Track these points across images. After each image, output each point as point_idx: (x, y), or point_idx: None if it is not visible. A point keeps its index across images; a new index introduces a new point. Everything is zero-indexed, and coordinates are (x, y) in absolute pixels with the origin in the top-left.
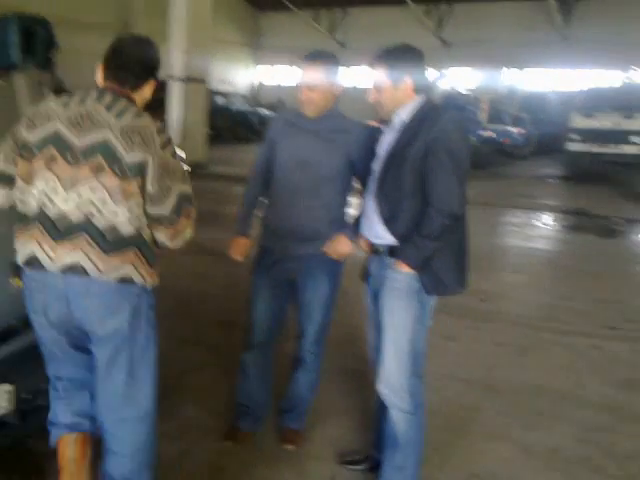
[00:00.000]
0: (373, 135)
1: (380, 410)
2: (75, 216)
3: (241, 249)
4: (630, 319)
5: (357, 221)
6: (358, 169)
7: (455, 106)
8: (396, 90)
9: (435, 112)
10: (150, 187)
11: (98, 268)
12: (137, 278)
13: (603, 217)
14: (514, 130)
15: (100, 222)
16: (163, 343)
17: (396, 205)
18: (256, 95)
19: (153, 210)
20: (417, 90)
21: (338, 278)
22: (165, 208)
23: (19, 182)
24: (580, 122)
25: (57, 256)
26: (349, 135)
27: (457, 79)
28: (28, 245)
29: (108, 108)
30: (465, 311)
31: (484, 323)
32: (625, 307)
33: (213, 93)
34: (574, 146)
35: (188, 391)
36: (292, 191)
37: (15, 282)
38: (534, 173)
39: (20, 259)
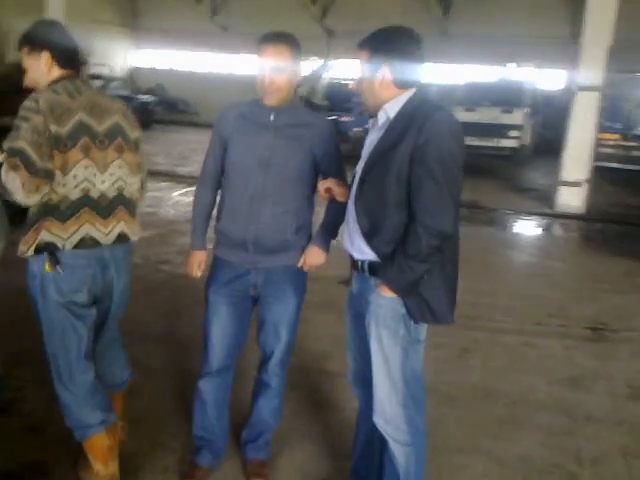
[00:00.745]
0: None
1: (360, 437)
2: (111, 193)
3: (198, 264)
4: (552, 314)
5: (328, 229)
6: (322, 168)
7: (340, 98)
8: (373, 82)
9: (424, 110)
10: (140, 158)
11: (134, 232)
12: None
13: (493, 209)
14: None
15: (128, 193)
16: None
17: (378, 218)
18: (133, 79)
19: (142, 177)
20: (401, 84)
21: (304, 290)
22: (145, 173)
23: (57, 174)
24: (462, 116)
25: (109, 230)
26: (312, 129)
27: (343, 70)
28: (80, 229)
29: (100, 95)
30: None
31: None
32: (544, 301)
33: (89, 77)
34: None
35: (128, 422)
36: (253, 196)
37: (50, 268)
38: None
39: (70, 244)
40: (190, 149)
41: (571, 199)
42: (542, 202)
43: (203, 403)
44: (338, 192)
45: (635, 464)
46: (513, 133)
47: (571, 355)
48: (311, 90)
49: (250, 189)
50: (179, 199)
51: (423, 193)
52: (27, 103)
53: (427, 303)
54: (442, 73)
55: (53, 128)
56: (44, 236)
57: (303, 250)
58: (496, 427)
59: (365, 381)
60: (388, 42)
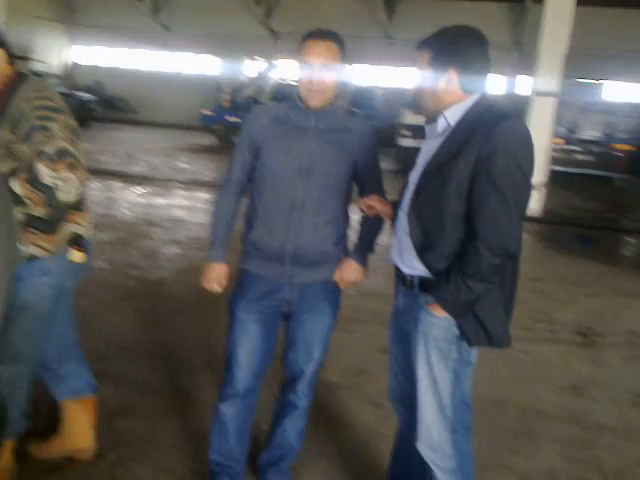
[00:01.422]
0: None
1: (400, 457)
2: None
3: (219, 278)
4: (537, 319)
5: (366, 243)
6: (361, 177)
7: (286, 98)
8: (437, 85)
9: (490, 118)
10: None
11: None
12: None
13: None
14: None
15: None
16: None
17: (433, 232)
18: (72, 76)
19: None
20: (468, 89)
21: (338, 306)
22: None
23: None
24: (410, 119)
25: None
26: (353, 135)
27: (288, 70)
28: (89, 216)
29: None
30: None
31: None
32: (526, 305)
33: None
34: (405, 142)
35: (126, 444)
36: (292, 205)
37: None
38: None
39: (90, 231)
40: (134, 147)
41: (529, 202)
42: None
43: (224, 427)
44: (382, 211)
45: None
46: None
47: (566, 361)
48: (259, 90)
49: (289, 198)
50: (135, 200)
51: (488, 209)
52: (41, 102)
53: (483, 325)
54: (387, 76)
55: (71, 122)
56: (72, 228)
57: (339, 263)
58: (513, 440)
59: (407, 400)
60: (455, 43)
